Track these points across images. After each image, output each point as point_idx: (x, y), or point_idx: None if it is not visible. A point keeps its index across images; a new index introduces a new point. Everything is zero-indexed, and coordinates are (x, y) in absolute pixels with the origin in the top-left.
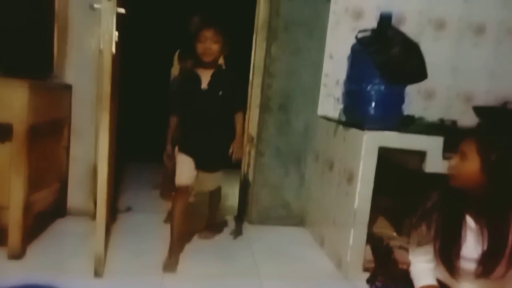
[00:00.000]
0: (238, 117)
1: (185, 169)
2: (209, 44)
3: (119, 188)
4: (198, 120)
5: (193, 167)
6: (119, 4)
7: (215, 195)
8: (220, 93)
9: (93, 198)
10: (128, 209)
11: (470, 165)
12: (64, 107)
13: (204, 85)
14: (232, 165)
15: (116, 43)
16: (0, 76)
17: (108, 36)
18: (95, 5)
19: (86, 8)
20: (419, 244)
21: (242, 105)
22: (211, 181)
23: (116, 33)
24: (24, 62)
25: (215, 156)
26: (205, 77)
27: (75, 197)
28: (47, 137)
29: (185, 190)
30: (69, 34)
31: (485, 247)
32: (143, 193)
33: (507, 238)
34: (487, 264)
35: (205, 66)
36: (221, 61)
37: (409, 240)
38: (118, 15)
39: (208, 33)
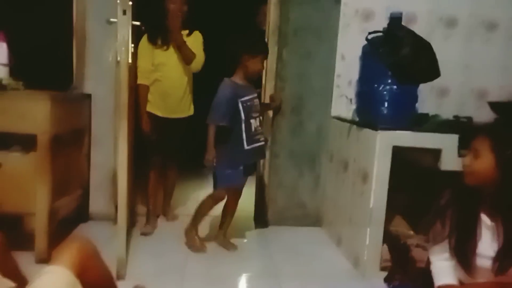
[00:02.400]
0: None
1: None
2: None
3: (139, 192)
4: None
5: None
6: (134, 17)
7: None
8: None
9: (114, 203)
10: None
11: (484, 162)
12: (84, 116)
13: None
14: None
15: (132, 54)
16: (23, 90)
17: (124, 48)
18: (111, 19)
19: (103, 22)
20: (435, 241)
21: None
22: None
23: (132, 45)
24: (45, 75)
25: None
26: None
27: (97, 203)
28: (69, 145)
29: None
30: (87, 46)
31: (501, 244)
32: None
33: None
34: (503, 261)
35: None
36: None
37: (427, 238)
38: (134, 28)
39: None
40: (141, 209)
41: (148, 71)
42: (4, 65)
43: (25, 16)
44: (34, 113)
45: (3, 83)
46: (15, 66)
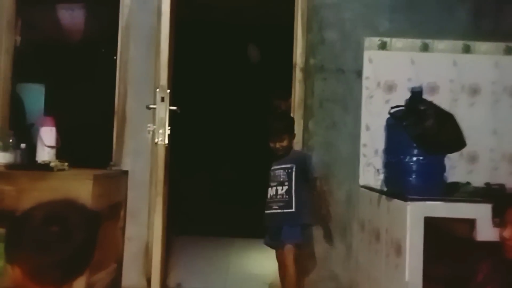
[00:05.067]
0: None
1: None
2: None
3: (169, 262)
4: None
5: None
6: (171, 103)
7: None
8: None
9: (145, 276)
10: (178, 285)
11: None
12: (122, 191)
13: None
14: None
15: (168, 136)
16: (68, 170)
17: (162, 130)
18: (151, 106)
19: (142, 106)
20: None
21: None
22: None
23: (168, 127)
24: (87, 153)
25: None
26: None
27: (129, 276)
28: (107, 220)
29: None
30: (126, 127)
31: None
32: (192, 267)
33: None
34: None
35: None
36: None
37: None
38: (170, 112)
39: None
40: (173, 282)
41: None
42: (52, 147)
43: (71, 102)
44: (78, 192)
45: (51, 165)
46: (61, 147)
